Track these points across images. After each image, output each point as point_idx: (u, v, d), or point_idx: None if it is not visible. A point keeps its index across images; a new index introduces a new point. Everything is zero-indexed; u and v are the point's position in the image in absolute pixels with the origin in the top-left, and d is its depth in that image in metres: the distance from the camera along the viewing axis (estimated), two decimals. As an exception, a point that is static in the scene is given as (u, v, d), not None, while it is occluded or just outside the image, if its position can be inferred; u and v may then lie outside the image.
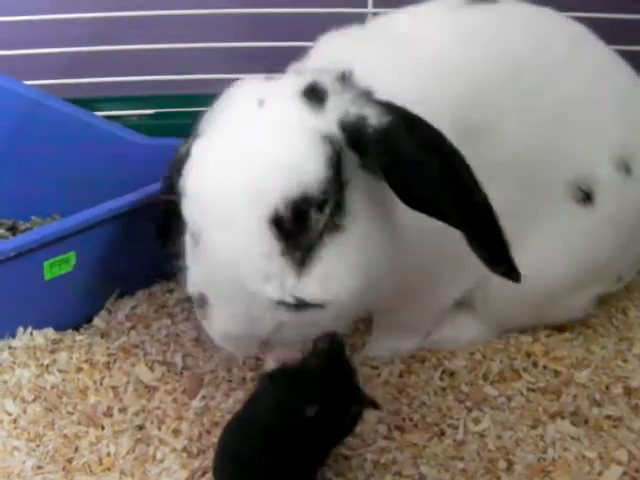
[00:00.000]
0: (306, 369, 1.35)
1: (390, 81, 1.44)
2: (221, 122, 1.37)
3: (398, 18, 1.65)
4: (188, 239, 1.36)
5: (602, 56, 1.72)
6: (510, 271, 1.33)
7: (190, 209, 1.33)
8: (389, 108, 1.32)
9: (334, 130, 1.32)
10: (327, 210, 1.30)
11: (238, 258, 1.27)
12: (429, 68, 1.51)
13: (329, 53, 1.55)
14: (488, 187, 1.43)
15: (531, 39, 1.63)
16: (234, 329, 1.31)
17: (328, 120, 1.32)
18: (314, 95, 1.34)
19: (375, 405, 1.41)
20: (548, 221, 1.61)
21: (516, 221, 1.56)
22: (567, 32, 1.70)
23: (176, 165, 1.42)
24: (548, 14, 1.72)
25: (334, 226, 1.31)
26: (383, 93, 1.38)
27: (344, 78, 1.39)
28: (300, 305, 1.29)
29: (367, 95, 1.35)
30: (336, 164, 1.30)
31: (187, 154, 1.36)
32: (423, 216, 1.32)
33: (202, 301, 1.33)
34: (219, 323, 1.32)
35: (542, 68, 1.61)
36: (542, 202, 1.61)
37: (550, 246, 1.63)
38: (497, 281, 1.50)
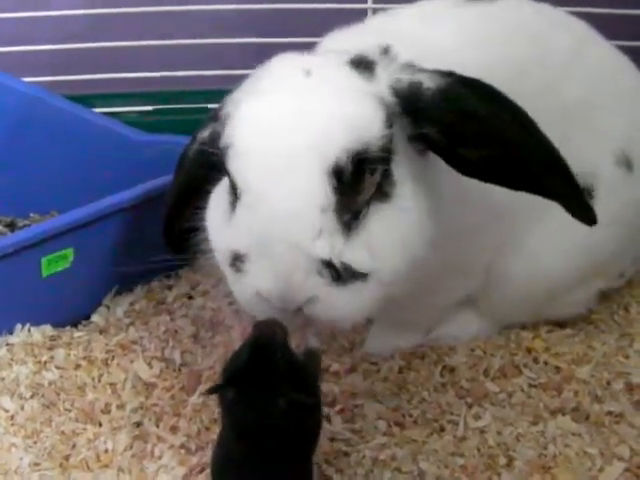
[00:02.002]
0: (235, 359, 1.27)
1: None
2: (269, 87, 1.32)
3: (400, 15, 1.64)
4: (222, 202, 1.33)
5: (604, 53, 1.72)
6: (587, 214, 1.33)
7: (241, 165, 1.27)
8: (446, 72, 1.31)
9: (387, 96, 1.31)
10: (377, 175, 1.27)
11: (292, 208, 1.22)
12: (429, 67, 1.50)
13: (334, 49, 1.54)
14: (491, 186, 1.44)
15: (533, 38, 1.62)
16: (272, 289, 1.23)
17: (380, 86, 1.32)
18: (362, 65, 1.34)
19: (305, 399, 1.26)
20: (550, 218, 1.60)
21: (519, 218, 1.57)
22: (568, 30, 1.69)
23: (216, 127, 1.39)
24: (548, 11, 1.71)
25: (384, 194, 1.28)
26: None
27: (386, 52, 1.39)
28: (344, 272, 1.23)
29: (412, 65, 1.35)
30: (389, 129, 1.28)
31: (228, 116, 1.32)
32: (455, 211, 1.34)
33: (237, 260, 1.27)
34: (257, 280, 1.25)
35: (544, 67, 1.60)
36: (544, 202, 1.59)
37: (552, 243, 1.62)
38: (501, 278, 1.51)
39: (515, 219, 1.57)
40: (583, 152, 1.60)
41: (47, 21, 2.29)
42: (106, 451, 1.48)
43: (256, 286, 1.25)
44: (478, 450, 1.46)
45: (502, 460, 1.43)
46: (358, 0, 2.31)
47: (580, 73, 1.63)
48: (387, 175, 1.29)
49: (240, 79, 2.07)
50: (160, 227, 1.66)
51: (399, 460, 1.42)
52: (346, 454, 1.44)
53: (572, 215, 1.32)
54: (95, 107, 2.19)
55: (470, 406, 1.55)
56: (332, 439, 1.46)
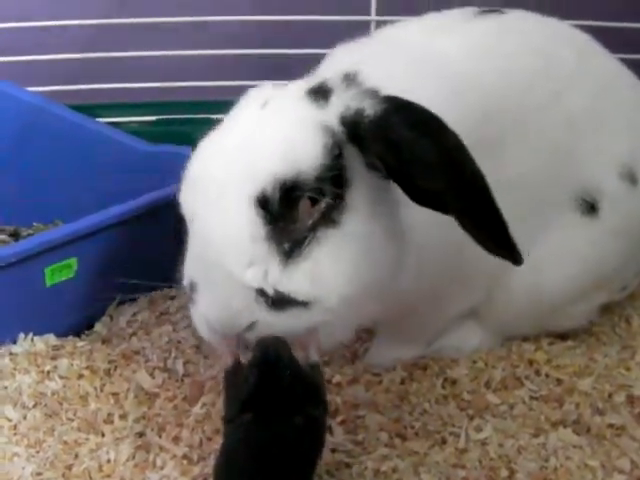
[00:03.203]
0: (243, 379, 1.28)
1: (399, 92, 1.44)
2: (226, 121, 1.37)
3: (408, 29, 1.65)
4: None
5: (607, 66, 1.72)
6: (511, 253, 1.30)
7: (186, 195, 1.34)
8: (385, 98, 1.31)
9: (335, 125, 1.31)
10: (323, 203, 1.28)
11: (224, 237, 1.26)
12: (437, 81, 1.51)
13: (340, 63, 1.55)
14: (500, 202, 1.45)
15: (538, 53, 1.63)
16: (214, 317, 1.28)
17: (330, 115, 1.32)
18: (319, 93, 1.35)
19: (320, 413, 1.28)
20: (553, 231, 1.61)
21: (522, 232, 1.56)
22: (573, 44, 1.69)
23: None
24: (554, 25, 1.72)
25: (330, 221, 1.28)
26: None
27: (350, 78, 1.39)
28: (280, 300, 1.26)
29: (372, 92, 1.34)
30: (337, 157, 1.29)
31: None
32: (432, 232, 1.33)
33: (192, 288, 1.32)
34: (201, 308, 1.30)
35: (549, 81, 1.60)
36: (548, 213, 1.61)
37: (555, 256, 1.62)
38: (503, 291, 1.51)
39: (517, 231, 1.57)
40: (587, 166, 1.62)
41: (51, 31, 2.30)
42: (108, 461, 1.48)
43: (203, 314, 1.30)
44: (479, 462, 1.45)
45: (503, 472, 1.43)
46: (362, 12, 2.31)
47: (584, 86, 1.64)
48: (338, 202, 1.29)
49: (243, 90, 2.08)
50: (163, 237, 1.66)
51: (400, 472, 1.42)
52: (347, 465, 1.44)
53: (490, 253, 1.31)
54: (98, 117, 2.19)
55: (471, 418, 1.55)
56: (334, 450, 1.46)
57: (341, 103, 1.33)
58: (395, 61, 1.52)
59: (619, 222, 1.64)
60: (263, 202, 1.25)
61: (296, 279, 1.26)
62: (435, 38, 1.59)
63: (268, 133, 1.30)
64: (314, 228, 1.27)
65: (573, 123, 1.61)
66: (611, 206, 1.63)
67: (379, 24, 2.28)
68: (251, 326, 1.27)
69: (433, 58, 1.54)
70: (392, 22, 2.07)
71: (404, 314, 1.58)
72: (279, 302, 1.26)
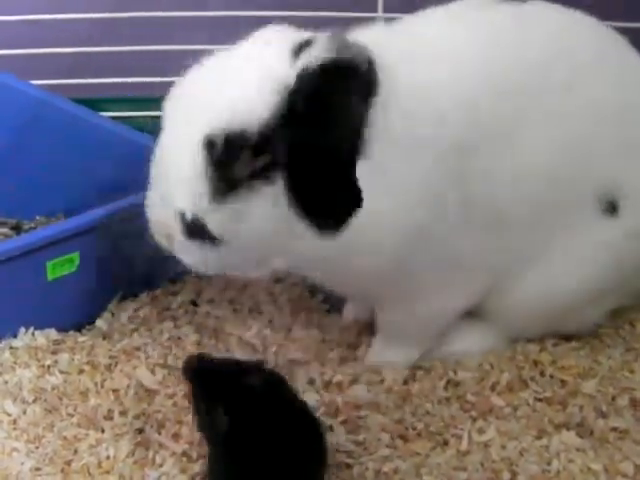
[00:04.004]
0: None
1: (411, 80, 1.44)
2: (238, 44, 1.46)
3: (427, 19, 1.63)
4: None
5: (630, 63, 1.68)
6: (326, 220, 1.38)
7: (165, 106, 1.46)
8: (328, 61, 1.36)
9: (292, 82, 1.36)
10: (264, 159, 1.34)
11: (172, 155, 1.40)
12: (451, 72, 1.50)
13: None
14: (511, 196, 1.49)
15: (558, 45, 1.60)
16: (151, 216, 1.45)
17: (293, 72, 1.36)
18: (301, 48, 1.39)
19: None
20: (571, 231, 1.59)
21: (538, 231, 1.56)
22: (594, 36, 1.66)
23: None
24: (577, 17, 1.68)
25: (266, 177, 1.35)
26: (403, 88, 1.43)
27: (339, 38, 1.43)
28: (192, 229, 1.38)
29: (342, 47, 1.39)
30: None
31: None
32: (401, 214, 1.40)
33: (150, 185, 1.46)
34: (148, 207, 1.46)
35: (569, 75, 1.57)
36: (565, 212, 1.58)
37: (572, 257, 1.60)
38: (517, 292, 1.54)
39: (528, 231, 1.56)
40: (606, 163, 1.59)
41: (56, 24, 2.29)
42: (108, 457, 1.47)
43: (147, 211, 1.46)
44: (482, 464, 1.44)
45: (506, 475, 1.42)
46: (369, 9, 2.30)
47: (604, 79, 1.60)
48: (277, 163, 1.35)
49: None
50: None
51: (402, 473, 1.41)
52: (349, 466, 1.43)
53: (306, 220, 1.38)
54: (103, 111, 2.18)
55: (474, 420, 1.53)
56: (335, 450, 1.45)
57: (305, 60, 1.37)
58: (410, 54, 1.51)
59: (638, 223, 1.62)
60: (210, 143, 1.34)
61: (218, 216, 1.36)
62: (453, 26, 1.58)
63: (234, 81, 1.38)
64: (251, 179, 1.35)
65: (592, 118, 1.58)
66: (632, 206, 1.60)
67: (386, 21, 2.27)
68: (168, 237, 1.43)
69: (449, 52, 1.53)
70: (399, 19, 2.06)
71: (395, 310, 1.60)
72: (190, 230, 1.38)
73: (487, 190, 1.50)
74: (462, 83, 1.49)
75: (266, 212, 1.37)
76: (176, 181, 1.37)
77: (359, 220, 1.37)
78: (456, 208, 1.48)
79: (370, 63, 1.41)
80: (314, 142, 1.34)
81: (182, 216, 1.38)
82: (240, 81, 1.37)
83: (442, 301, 1.60)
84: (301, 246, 1.41)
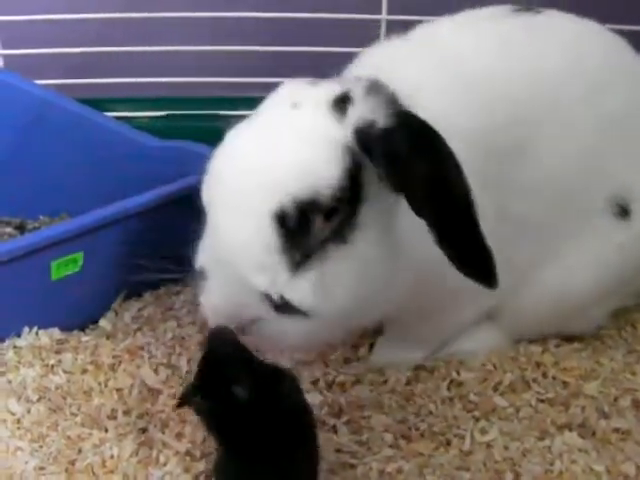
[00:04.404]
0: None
1: (428, 97, 1.45)
2: (257, 116, 1.41)
3: (442, 30, 1.64)
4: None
5: (638, 70, 1.70)
6: (486, 278, 1.33)
7: (208, 186, 1.38)
8: (396, 112, 1.33)
9: (351, 140, 1.33)
10: (336, 220, 1.32)
11: (239, 242, 1.32)
12: (468, 85, 1.51)
13: (370, 66, 1.55)
14: (526, 205, 1.50)
15: (572, 55, 1.62)
16: (221, 307, 1.36)
17: (348, 128, 1.34)
18: (341, 103, 1.36)
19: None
20: (583, 235, 1.61)
21: (552, 236, 1.58)
22: (606, 46, 1.68)
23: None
24: (591, 28, 1.70)
25: (341, 238, 1.33)
26: (422, 108, 1.39)
27: (374, 84, 1.39)
28: (283, 306, 1.33)
29: (389, 102, 1.35)
30: (355, 177, 1.32)
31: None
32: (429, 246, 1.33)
33: (202, 274, 1.37)
34: (210, 296, 1.37)
35: (582, 85, 1.59)
36: (576, 216, 1.60)
37: (581, 259, 1.62)
38: (529, 294, 1.56)
39: (543, 235, 1.58)
40: (619, 168, 1.61)
41: (60, 24, 2.30)
42: (112, 457, 1.48)
43: (210, 301, 1.37)
44: (484, 465, 1.45)
45: (509, 475, 1.43)
46: (373, 11, 2.30)
47: (616, 88, 1.62)
48: (350, 220, 1.33)
49: (252, 87, 2.09)
50: (169, 233, 1.66)
51: (405, 473, 1.42)
52: (352, 466, 1.44)
53: (461, 272, 1.33)
54: (108, 111, 2.18)
55: (477, 420, 1.54)
56: (338, 450, 1.46)
57: (358, 115, 1.34)
58: (428, 71, 1.52)
59: None
60: (281, 218, 1.30)
61: (301, 289, 1.32)
62: (465, 38, 1.59)
63: (291, 148, 1.33)
64: (325, 243, 1.32)
65: (604, 126, 1.60)
66: None
67: (390, 23, 2.27)
68: (254, 321, 1.35)
69: (462, 60, 1.54)
70: (403, 21, 2.07)
71: (410, 317, 1.59)
72: (282, 308, 1.33)
73: (505, 200, 1.52)
74: (481, 101, 1.50)
75: (346, 272, 1.34)
76: (252, 262, 1.31)
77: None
78: (486, 223, 1.49)
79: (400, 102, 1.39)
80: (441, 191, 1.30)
81: (268, 297, 1.33)
82: (295, 148, 1.33)
83: (458, 310, 1.62)
84: (395, 291, 1.40)
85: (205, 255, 1.38)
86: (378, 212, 1.36)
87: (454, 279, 1.43)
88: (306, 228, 1.31)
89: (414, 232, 1.36)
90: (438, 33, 1.63)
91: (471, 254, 1.31)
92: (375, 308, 1.42)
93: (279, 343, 1.40)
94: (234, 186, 1.34)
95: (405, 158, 1.29)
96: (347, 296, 1.35)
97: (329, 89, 1.39)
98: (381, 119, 1.32)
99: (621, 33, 1.73)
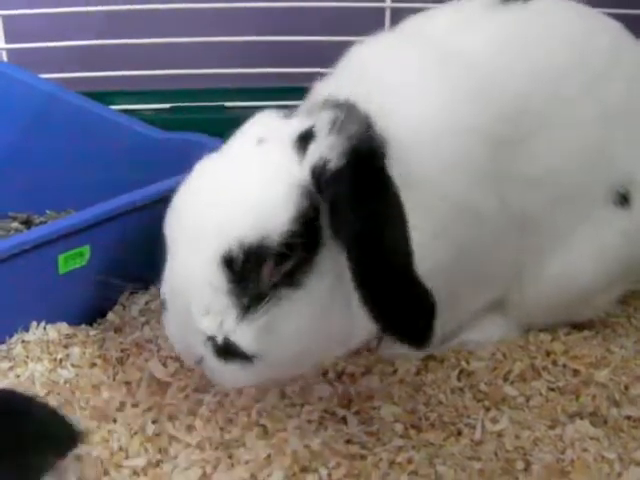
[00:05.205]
0: None
1: (420, 93, 1.46)
2: (224, 149, 1.41)
3: (434, 23, 1.63)
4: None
5: (637, 57, 1.69)
6: (414, 338, 1.31)
7: (169, 219, 1.39)
8: (350, 150, 1.30)
9: (309, 181, 1.31)
10: (289, 265, 1.30)
11: (189, 282, 1.32)
12: (462, 79, 1.50)
13: (359, 65, 1.54)
14: (526, 194, 1.50)
15: (567, 44, 1.60)
16: (176, 339, 1.39)
17: (306, 168, 1.32)
18: (304, 140, 1.34)
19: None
20: (585, 223, 1.61)
21: (556, 226, 1.57)
22: (605, 32, 1.67)
23: None
24: (584, 13, 1.69)
25: (295, 283, 1.31)
26: (412, 106, 1.42)
27: (345, 114, 1.37)
28: (226, 350, 1.33)
29: (353, 134, 1.33)
30: (312, 220, 1.31)
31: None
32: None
33: (163, 302, 1.40)
34: (167, 327, 1.40)
35: (582, 74, 1.58)
36: (580, 206, 1.60)
37: (587, 247, 1.62)
38: (533, 283, 1.57)
39: (543, 228, 1.58)
40: (620, 157, 1.60)
41: (64, 18, 2.30)
42: (121, 449, 1.47)
43: (167, 332, 1.41)
44: (495, 454, 1.44)
45: (520, 464, 1.42)
46: (376, -1, 2.30)
47: (617, 77, 1.62)
48: (303, 264, 1.31)
49: (256, 78, 2.08)
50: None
51: (416, 463, 1.41)
52: (362, 457, 1.43)
53: (385, 333, 1.32)
54: (113, 104, 2.19)
55: (487, 409, 1.53)
56: (348, 441, 1.46)
57: (317, 153, 1.32)
58: (418, 66, 1.51)
59: None
60: (228, 261, 1.30)
61: (247, 334, 1.32)
62: (457, 33, 1.57)
63: (244, 189, 1.32)
64: (276, 287, 1.31)
65: (606, 115, 1.59)
66: None
67: (394, 11, 2.27)
68: (200, 360, 1.37)
69: (453, 57, 1.53)
70: (407, 9, 2.06)
71: None
72: (224, 351, 1.33)
73: (507, 192, 1.51)
74: (478, 96, 1.49)
75: (295, 318, 1.32)
76: (198, 304, 1.32)
77: None
78: (491, 217, 1.50)
79: (371, 128, 1.36)
80: (365, 240, 1.27)
81: (212, 340, 1.33)
82: (247, 190, 1.32)
83: (472, 300, 1.62)
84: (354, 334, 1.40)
85: (165, 285, 1.39)
86: (337, 257, 1.31)
87: (455, 282, 1.47)
88: (255, 273, 1.30)
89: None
90: (430, 26, 1.62)
91: (402, 314, 1.29)
92: (330, 351, 1.42)
93: (222, 383, 1.41)
94: (188, 224, 1.35)
95: (341, 206, 1.28)
96: (296, 343, 1.35)
97: (297, 124, 1.38)
98: (334, 159, 1.30)
99: (616, 17, 1.72)
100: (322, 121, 1.35)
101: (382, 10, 2.28)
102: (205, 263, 1.30)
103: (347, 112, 1.37)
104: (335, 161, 1.29)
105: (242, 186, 1.33)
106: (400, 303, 1.28)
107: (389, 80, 1.46)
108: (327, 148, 1.31)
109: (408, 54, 1.53)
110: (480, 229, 1.48)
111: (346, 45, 1.61)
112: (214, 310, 1.31)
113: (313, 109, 1.42)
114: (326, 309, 1.33)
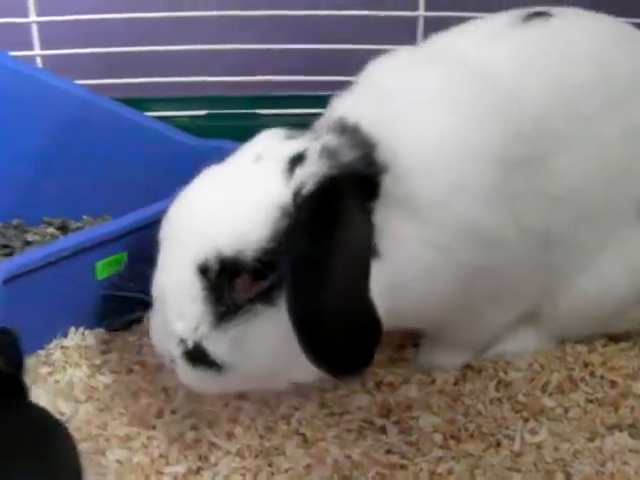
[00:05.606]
0: None
1: (431, 114, 1.45)
2: (226, 162, 1.46)
3: (451, 40, 1.63)
4: None
5: None
6: (339, 369, 1.33)
7: (163, 223, 1.45)
8: (322, 179, 1.34)
9: (290, 204, 1.35)
10: (266, 283, 1.34)
11: (167, 285, 1.39)
12: (479, 99, 1.49)
13: (378, 81, 1.54)
14: (543, 216, 1.49)
15: (591, 61, 1.58)
16: (156, 339, 1.44)
17: (289, 192, 1.35)
18: (295, 163, 1.38)
19: None
20: (612, 242, 1.59)
21: (578, 242, 1.56)
22: (631, 44, 1.65)
23: None
24: (609, 24, 1.67)
25: (268, 300, 1.34)
26: (422, 128, 1.42)
27: (341, 137, 1.41)
28: (194, 355, 1.38)
29: (359, 156, 1.38)
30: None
31: None
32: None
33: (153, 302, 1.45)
34: (151, 327, 1.46)
35: (606, 89, 1.56)
36: (605, 225, 1.59)
37: (617, 263, 1.60)
38: (566, 297, 1.56)
39: (568, 245, 1.57)
40: None
41: (99, 23, 2.31)
42: (160, 456, 1.48)
43: (150, 328, 1.45)
44: (535, 465, 1.44)
45: (560, 476, 1.41)
46: (409, 7, 2.29)
47: None
48: (280, 283, 1.33)
49: (291, 85, 2.09)
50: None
51: (456, 474, 1.41)
52: (403, 467, 1.43)
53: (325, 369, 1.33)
54: (148, 111, 2.19)
55: (526, 421, 1.53)
56: (388, 451, 1.46)
57: (301, 177, 1.36)
58: (425, 82, 1.51)
59: None
60: (204, 270, 1.34)
61: (219, 342, 1.36)
62: (478, 51, 1.56)
63: (230, 204, 1.37)
64: (252, 302, 1.34)
65: (630, 132, 1.57)
66: None
67: (427, 20, 2.27)
68: (172, 362, 1.42)
69: (473, 75, 1.52)
70: (440, 18, 2.07)
71: (448, 322, 1.58)
72: (192, 356, 1.38)
73: (528, 213, 1.50)
74: (499, 115, 1.48)
75: (268, 335, 1.36)
76: (174, 307, 1.37)
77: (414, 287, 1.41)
78: (505, 238, 1.48)
79: (371, 154, 1.39)
80: (315, 270, 1.30)
81: (183, 343, 1.38)
82: (232, 205, 1.37)
83: (496, 315, 1.61)
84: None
85: (153, 284, 1.43)
86: None
87: (475, 299, 1.49)
88: (229, 284, 1.34)
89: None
90: (451, 44, 1.61)
91: (330, 347, 1.31)
92: (303, 370, 1.40)
93: (190, 387, 1.45)
94: (173, 230, 1.41)
95: (294, 231, 1.32)
96: (266, 359, 1.38)
97: (295, 145, 1.41)
98: (309, 185, 1.34)
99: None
100: (315, 146, 1.40)
101: (415, 19, 2.28)
102: (182, 269, 1.36)
103: (349, 136, 1.41)
104: (309, 187, 1.34)
105: (226, 200, 1.38)
106: (332, 338, 1.30)
107: (401, 100, 1.46)
108: (309, 173, 1.35)
109: (424, 73, 1.53)
110: (493, 250, 1.47)
111: (378, 53, 1.61)
112: (189, 314, 1.36)
113: (321, 130, 1.46)
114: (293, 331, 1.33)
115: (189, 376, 1.42)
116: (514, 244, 1.49)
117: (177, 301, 1.37)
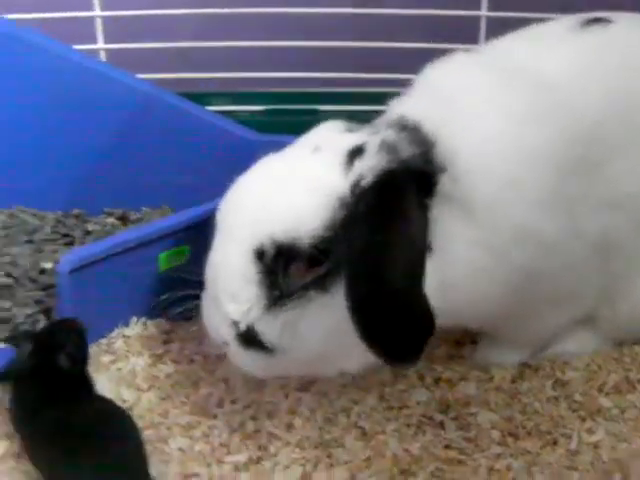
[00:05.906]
0: None
1: (489, 116, 1.47)
2: (285, 151, 1.50)
3: (510, 45, 1.64)
4: None
5: None
6: (399, 356, 1.36)
7: (220, 208, 1.47)
8: (383, 172, 1.36)
9: (348, 194, 1.37)
10: (321, 270, 1.36)
11: (222, 268, 1.41)
12: (536, 102, 1.50)
13: (438, 83, 1.56)
14: (601, 221, 1.50)
15: None
16: (207, 321, 1.46)
17: (347, 183, 1.38)
18: (354, 156, 1.40)
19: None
20: None
21: (634, 250, 1.56)
22: None
23: None
24: None
25: (323, 287, 1.36)
26: (479, 129, 1.44)
27: (399, 134, 1.43)
28: (246, 337, 1.40)
29: (418, 154, 1.41)
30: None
31: None
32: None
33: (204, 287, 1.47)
34: (203, 309, 1.47)
35: None
36: None
37: None
38: (625, 300, 1.57)
39: (628, 251, 1.57)
40: None
41: (162, 19, 2.34)
42: (221, 444, 1.50)
43: (203, 310, 1.47)
44: (592, 465, 1.45)
45: (617, 476, 1.42)
46: (472, 7, 2.30)
47: None
48: (335, 270, 1.36)
49: (349, 82, 2.09)
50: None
51: (515, 471, 1.42)
52: (460, 462, 1.45)
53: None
54: (208, 105, 2.22)
55: (583, 420, 1.54)
56: (447, 446, 1.48)
57: (360, 169, 1.38)
58: (483, 85, 1.52)
59: None
60: (260, 254, 1.37)
61: (271, 325, 1.38)
62: (536, 56, 1.57)
63: (288, 192, 1.39)
64: (306, 288, 1.37)
65: None
66: None
67: (489, 20, 2.27)
68: (224, 344, 1.44)
69: (530, 80, 1.53)
70: (503, 18, 2.07)
71: (503, 324, 1.60)
72: (244, 338, 1.40)
73: (585, 218, 1.51)
74: (553, 121, 1.49)
75: (320, 321, 1.38)
76: (228, 290, 1.40)
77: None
78: (560, 241, 1.49)
79: (429, 152, 1.42)
80: (373, 260, 1.32)
81: (236, 325, 1.41)
82: (290, 193, 1.39)
83: (554, 316, 1.62)
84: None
85: (206, 270, 1.46)
86: None
87: (531, 300, 1.50)
88: (284, 269, 1.36)
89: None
90: (509, 49, 1.62)
91: (388, 335, 1.34)
92: (352, 359, 1.44)
93: (242, 369, 1.47)
94: (231, 214, 1.43)
95: (352, 223, 1.34)
96: (317, 345, 1.40)
97: (355, 138, 1.44)
98: (368, 178, 1.36)
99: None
100: (374, 140, 1.42)
101: (477, 18, 2.28)
102: (238, 252, 1.38)
103: (408, 133, 1.44)
104: (367, 180, 1.36)
105: (285, 188, 1.40)
106: (387, 325, 1.33)
107: (461, 102, 1.48)
108: (368, 167, 1.38)
109: (483, 77, 1.54)
110: (549, 254, 1.47)
111: (439, 53, 1.62)
112: (242, 297, 1.38)
113: (380, 126, 1.48)
114: (344, 318, 1.34)
115: (240, 358, 1.44)
116: (570, 249, 1.50)
117: (231, 284, 1.39)
